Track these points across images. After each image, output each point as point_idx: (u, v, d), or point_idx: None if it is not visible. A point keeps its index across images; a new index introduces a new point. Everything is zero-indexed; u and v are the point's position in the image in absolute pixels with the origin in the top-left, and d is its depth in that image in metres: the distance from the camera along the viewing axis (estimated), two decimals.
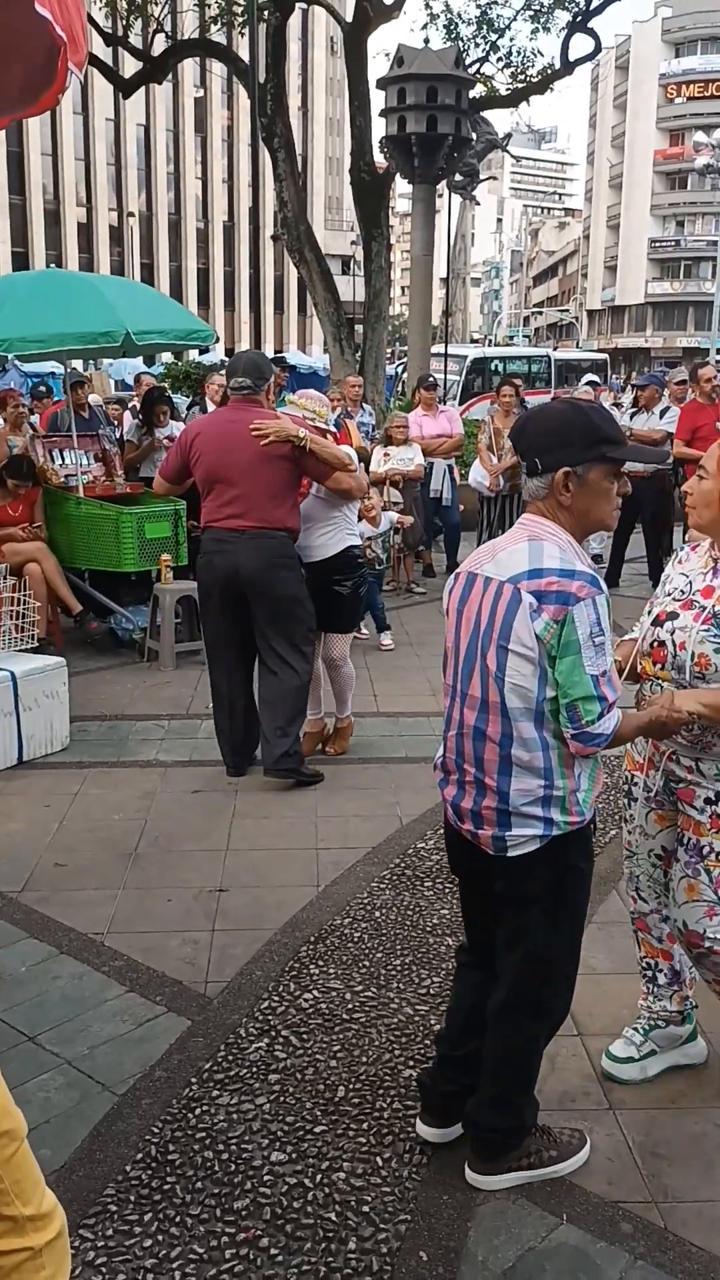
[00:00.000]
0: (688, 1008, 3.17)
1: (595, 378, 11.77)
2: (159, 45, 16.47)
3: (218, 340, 9.18)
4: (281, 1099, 2.97)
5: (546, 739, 2.45)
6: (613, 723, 2.40)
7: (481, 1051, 2.71)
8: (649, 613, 2.89)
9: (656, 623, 2.81)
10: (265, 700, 5.20)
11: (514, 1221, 2.56)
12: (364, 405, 10.87)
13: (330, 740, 5.75)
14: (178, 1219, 2.56)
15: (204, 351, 17.90)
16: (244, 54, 15.26)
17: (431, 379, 10.94)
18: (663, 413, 9.65)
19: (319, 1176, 2.69)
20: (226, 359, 21.96)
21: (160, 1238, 2.51)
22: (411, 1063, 3.12)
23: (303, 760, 5.31)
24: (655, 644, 2.79)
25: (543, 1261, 2.45)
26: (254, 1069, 3.10)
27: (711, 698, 2.64)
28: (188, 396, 15.58)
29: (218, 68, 19.49)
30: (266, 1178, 2.68)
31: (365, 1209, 2.59)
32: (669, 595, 2.85)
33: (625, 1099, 3.00)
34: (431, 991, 3.48)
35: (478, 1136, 2.70)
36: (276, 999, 3.44)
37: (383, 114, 13.76)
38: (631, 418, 9.89)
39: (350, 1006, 3.41)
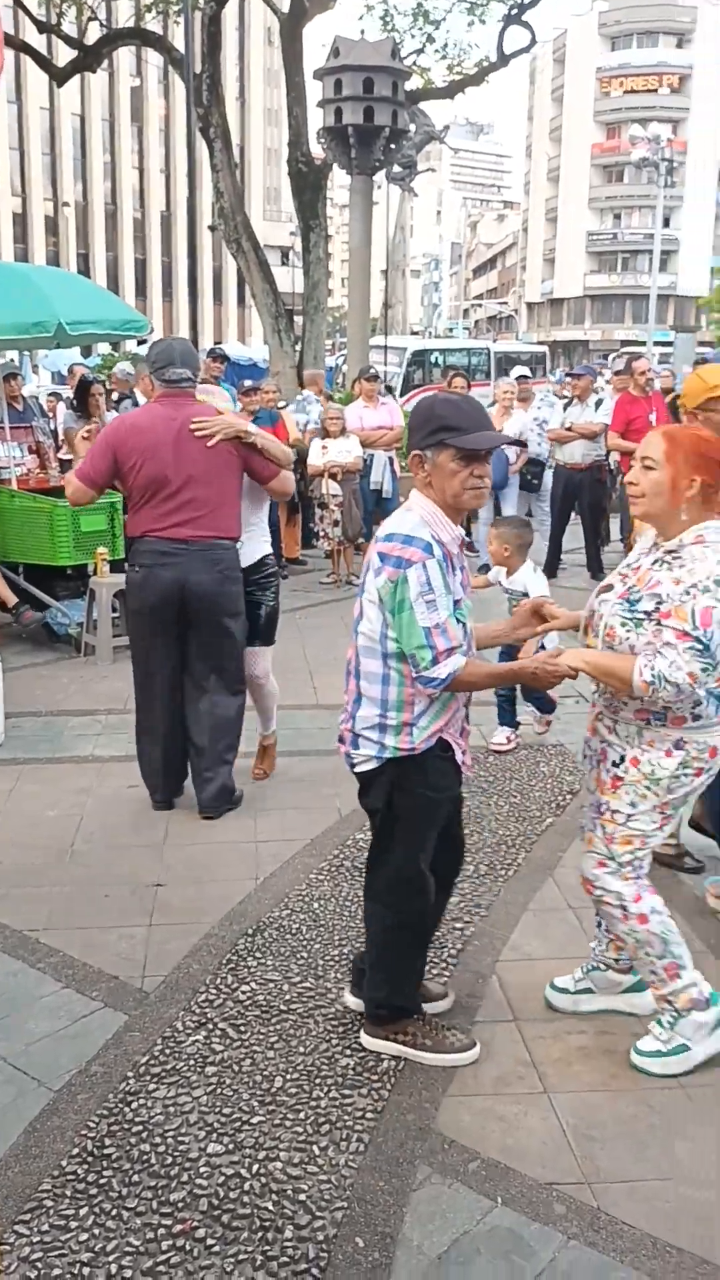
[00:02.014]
0: (625, 958, 3.26)
1: (526, 370, 11.95)
2: (93, 33, 16.28)
3: (153, 330, 9.11)
4: (219, 1091, 2.97)
5: (389, 675, 2.90)
6: (449, 668, 2.78)
7: None
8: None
9: (599, 593, 3.08)
10: (206, 728, 4.78)
11: (449, 1206, 2.59)
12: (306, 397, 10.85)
13: (257, 760, 5.29)
14: (114, 1212, 2.56)
15: (141, 343, 17.77)
16: (179, 43, 15.15)
17: (372, 370, 10.95)
18: (598, 404, 9.74)
19: (256, 1166, 2.70)
20: None
21: (96, 1231, 2.50)
22: (349, 1051, 3.14)
23: (234, 791, 4.92)
24: (591, 612, 3.07)
25: (477, 1244, 2.48)
26: (191, 1062, 3.10)
27: (596, 658, 2.91)
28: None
29: (154, 57, 19.32)
30: (203, 1169, 2.69)
31: (302, 1197, 2.60)
32: (617, 571, 3.12)
33: (559, 1083, 3.04)
34: None
35: (363, 1000, 3.24)
36: (214, 992, 3.44)
37: (320, 105, 13.73)
38: (566, 408, 9.98)
39: (288, 997, 3.42)
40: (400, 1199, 2.61)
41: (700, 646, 2.73)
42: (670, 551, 2.90)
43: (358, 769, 3.02)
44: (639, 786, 2.95)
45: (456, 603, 2.87)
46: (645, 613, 2.87)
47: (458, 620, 2.86)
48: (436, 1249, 2.47)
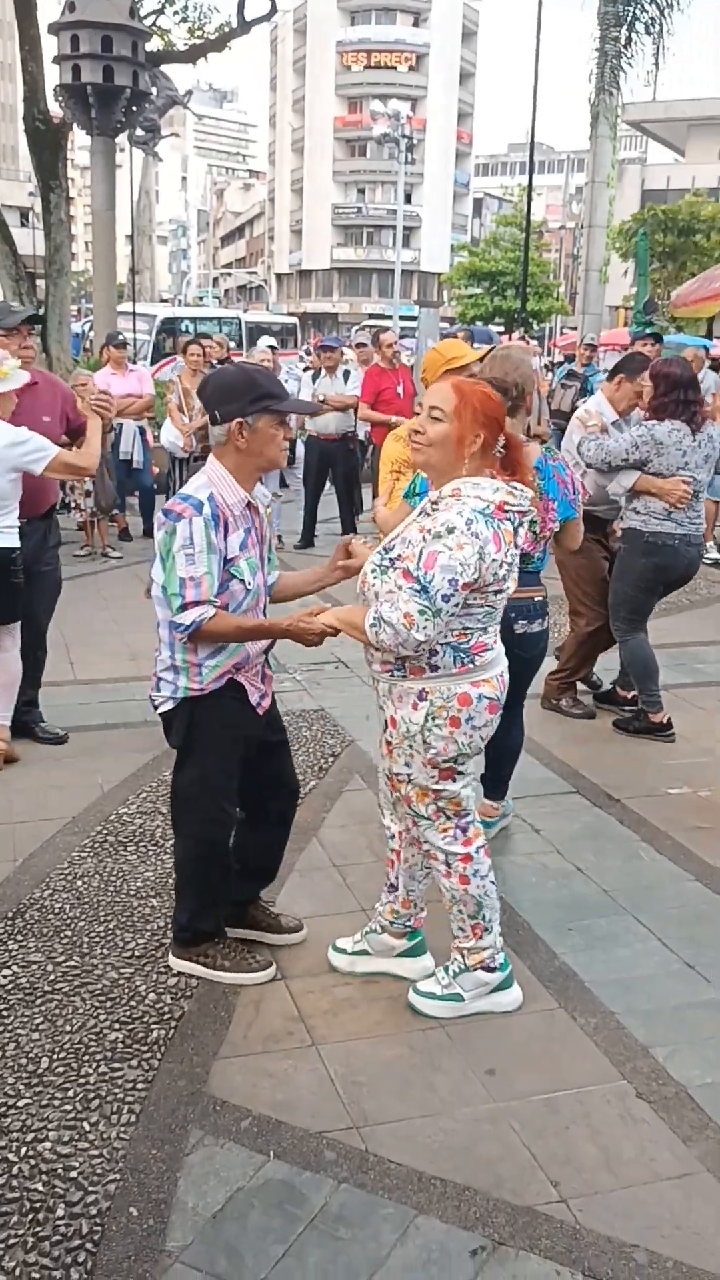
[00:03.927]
0: (400, 923, 3.37)
1: (274, 341, 11.98)
2: None
3: None
4: None
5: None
6: (192, 617, 2.99)
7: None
8: None
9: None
10: None
11: (222, 1165, 2.62)
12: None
13: None
14: None
15: None
16: None
17: (120, 336, 10.70)
18: (346, 376, 9.90)
19: (24, 1149, 2.65)
20: None
21: None
22: (117, 1025, 3.12)
23: None
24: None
25: (251, 1199, 2.53)
26: None
27: (344, 612, 3.03)
28: None
29: None
30: None
31: (73, 1174, 2.57)
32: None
33: (327, 1035, 3.12)
34: (136, 953, 3.48)
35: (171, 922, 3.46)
36: None
37: (56, 61, 13.23)
38: (315, 380, 10.08)
39: (52, 978, 3.35)
40: (173, 1164, 2.62)
41: (418, 587, 2.76)
42: (433, 503, 2.93)
43: (159, 710, 3.22)
44: (403, 746, 3.03)
45: (231, 560, 3.05)
46: (392, 560, 2.92)
47: (236, 574, 3.06)
48: (211, 1208, 2.50)
